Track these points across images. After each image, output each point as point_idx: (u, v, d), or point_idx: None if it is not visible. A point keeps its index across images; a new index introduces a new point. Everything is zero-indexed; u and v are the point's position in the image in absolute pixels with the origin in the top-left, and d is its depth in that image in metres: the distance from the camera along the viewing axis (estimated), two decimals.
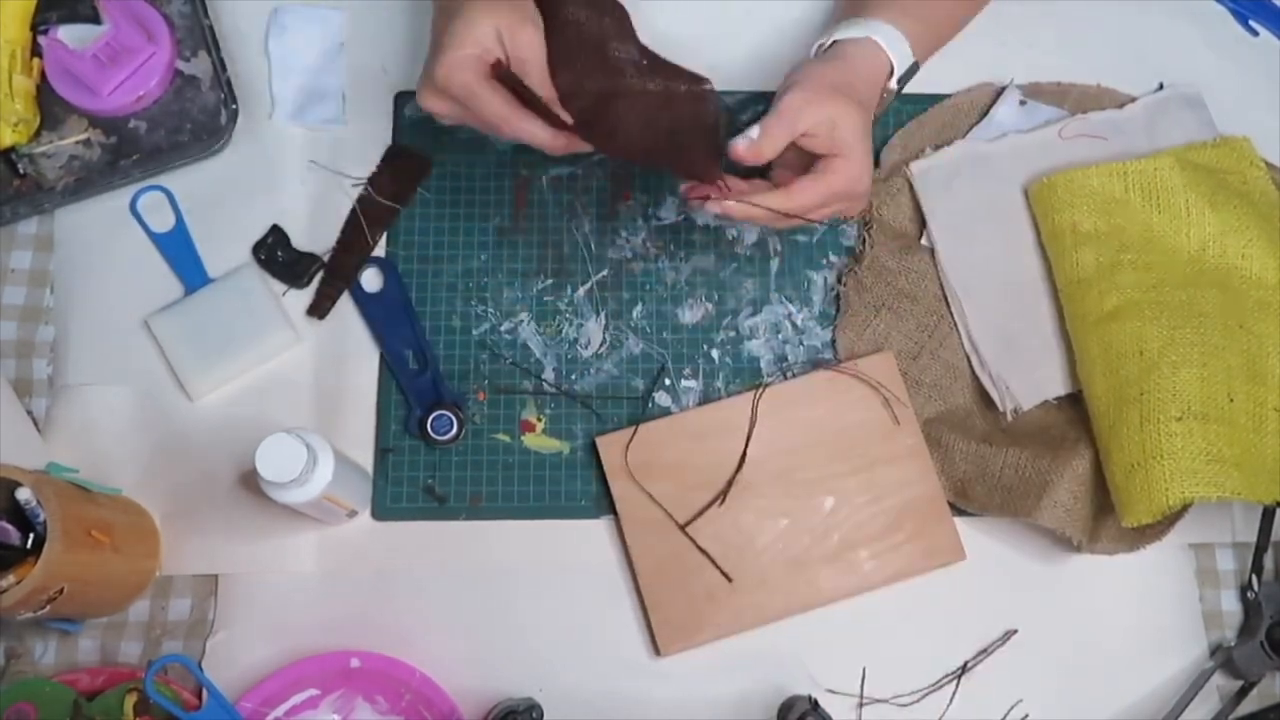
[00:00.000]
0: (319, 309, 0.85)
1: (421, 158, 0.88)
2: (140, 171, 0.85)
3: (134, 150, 0.86)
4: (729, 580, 0.79)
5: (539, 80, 0.72)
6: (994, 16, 0.91)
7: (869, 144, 0.75)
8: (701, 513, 0.80)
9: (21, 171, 0.85)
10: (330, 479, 0.69)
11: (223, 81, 0.87)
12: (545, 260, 0.87)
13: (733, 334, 0.86)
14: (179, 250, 0.85)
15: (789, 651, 0.79)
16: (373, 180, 0.87)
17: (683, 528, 0.79)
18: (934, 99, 0.91)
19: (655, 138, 0.76)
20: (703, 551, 0.79)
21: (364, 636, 0.78)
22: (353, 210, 0.87)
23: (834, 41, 0.78)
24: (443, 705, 0.75)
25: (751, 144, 0.72)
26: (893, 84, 0.79)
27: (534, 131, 0.72)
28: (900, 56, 0.78)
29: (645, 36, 0.92)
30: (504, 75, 0.72)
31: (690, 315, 0.87)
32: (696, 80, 0.78)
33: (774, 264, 0.88)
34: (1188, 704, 0.79)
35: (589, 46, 0.77)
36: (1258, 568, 0.82)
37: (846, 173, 0.74)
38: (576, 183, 0.89)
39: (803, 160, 0.76)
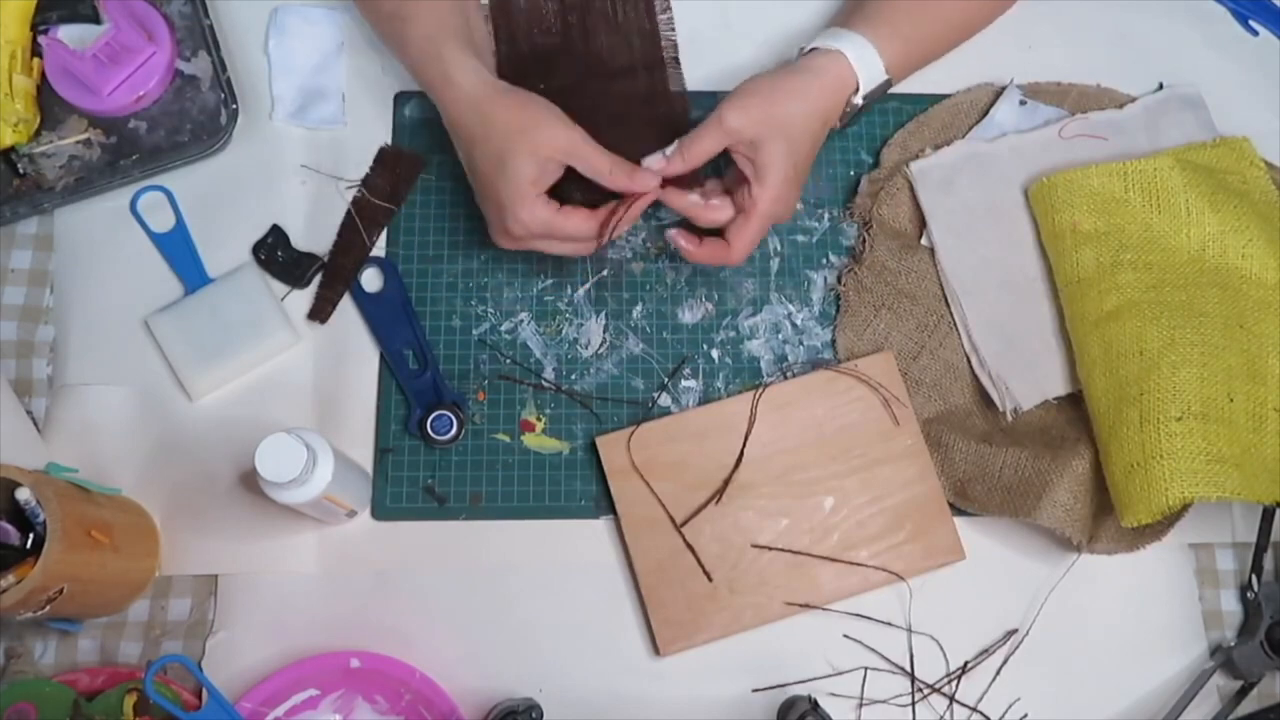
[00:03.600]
0: (320, 313, 0.85)
1: (414, 157, 0.88)
2: (140, 171, 0.85)
3: (134, 150, 0.86)
4: (709, 579, 0.79)
5: (596, 153, 0.74)
6: None
7: (792, 162, 0.76)
8: (697, 512, 0.80)
9: (21, 171, 0.85)
10: (330, 479, 0.69)
11: (223, 81, 0.87)
12: (545, 260, 0.87)
13: (733, 334, 0.86)
14: (179, 250, 0.85)
15: (789, 651, 0.79)
16: (366, 181, 0.87)
17: (678, 526, 0.79)
18: (934, 99, 0.91)
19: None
20: (689, 548, 0.79)
21: (364, 636, 0.78)
22: (348, 212, 0.87)
23: (812, 49, 0.80)
24: (443, 705, 0.75)
25: (663, 162, 0.76)
26: (857, 99, 0.80)
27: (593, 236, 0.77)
28: (869, 72, 0.79)
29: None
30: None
31: (690, 315, 0.87)
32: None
33: (774, 264, 0.88)
34: (1188, 704, 0.79)
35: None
36: (1258, 568, 0.82)
37: (766, 199, 0.76)
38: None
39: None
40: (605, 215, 0.76)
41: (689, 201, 0.77)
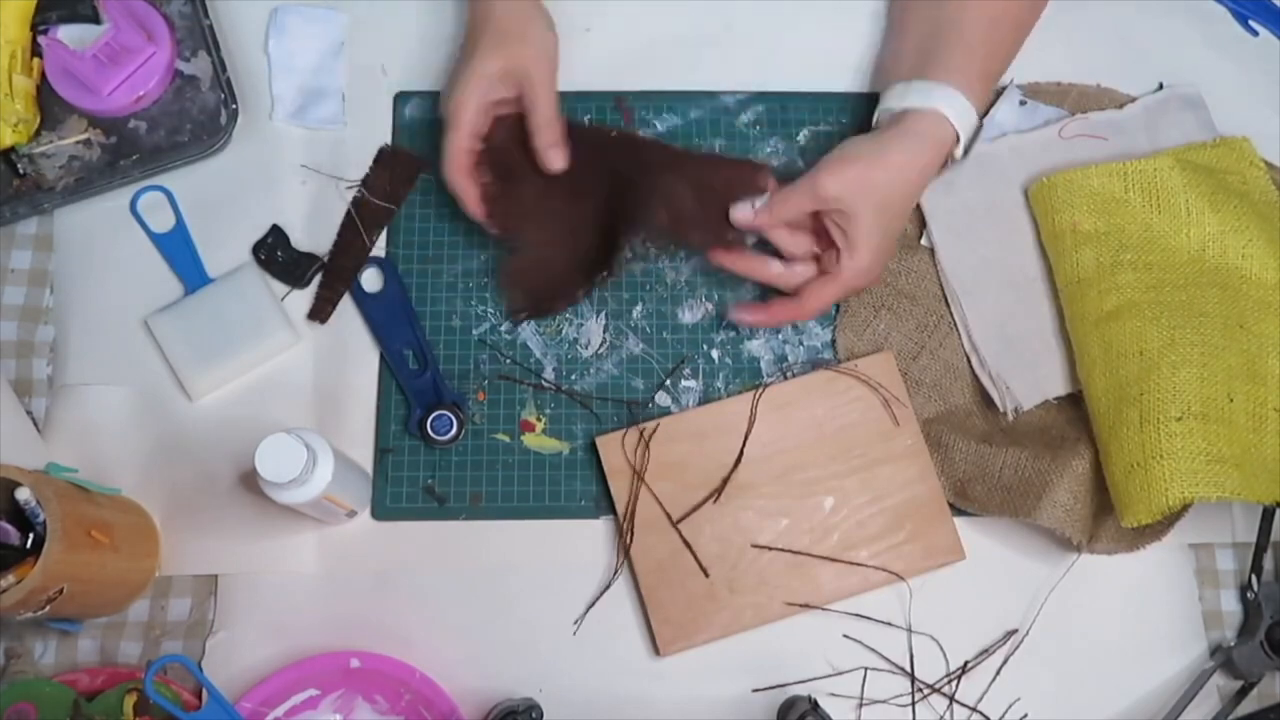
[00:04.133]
0: (320, 313, 0.85)
1: (413, 157, 0.88)
2: (140, 171, 0.85)
3: (134, 150, 0.86)
4: (706, 575, 0.79)
5: (546, 117, 0.79)
6: None
7: (883, 234, 0.77)
8: (695, 509, 0.80)
9: (21, 171, 0.85)
10: (330, 479, 0.69)
11: (223, 81, 0.87)
12: None
13: (733, 334, 0.86)
14: (179, 250, 0.85)
15: (789, 651, 0.79)
16: (366, 181, 0.87)
17: (675, 523, 0.79)
18: None
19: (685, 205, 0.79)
20: (686, 544, 0.79)
21: (364, 636, 0.78)
22: (347, 213, 0.87)
23: (905, 109, 0.78)
24: (443, 705, 0.75)
25: (750, 214, 0.77)
26: (958, 152, 0.79)
27: (468, 193, 0.81)
28: (966, 126, 0.78)
29: (643, 37, 0.92)
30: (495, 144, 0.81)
31: (690, 315, 0.86)
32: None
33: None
34: (1188, 704, 0.79)
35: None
36: (1257, 568, 0.82)
37: (851, 270, 0.77)
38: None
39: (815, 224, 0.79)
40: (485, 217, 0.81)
41: (773, 273, 0.79)
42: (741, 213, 0.77)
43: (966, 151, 0.80)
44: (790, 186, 0.76)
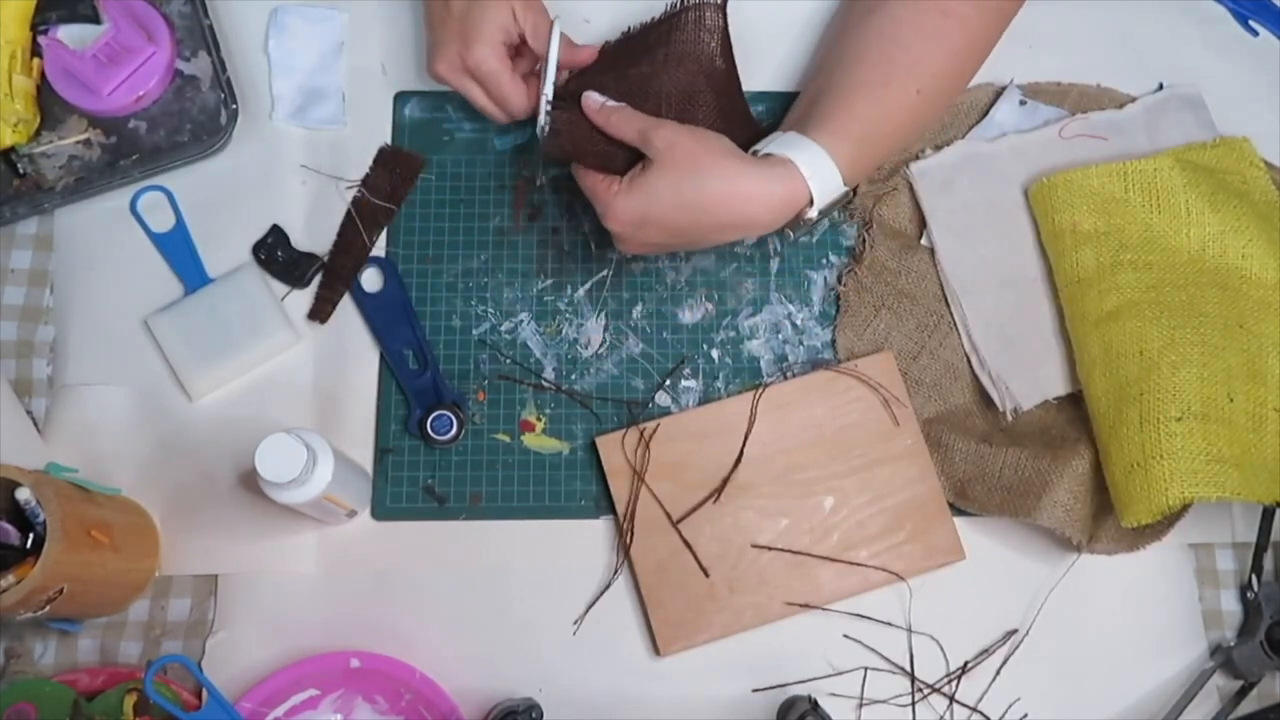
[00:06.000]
0: (320, 313, 0.85)
1: (414, 156, 0.88)
2: (140, 171, 0.85)
3: (134, 150, 0.86)
4: (706, 575, 0.79)
5: (530, 58, 0.81)
6: None
7: (648, 212, 0.73)
8: (695, 509, 0.80)
9: (21, 171, 0.85)
10: (330, 479, 0.69)
11: (223, 81, 0.87)
12: (545, 260, 0.87)
13: (733, 334, 0.86)
14: (179, 250, 0.85)
15: (789, 651, 0.79)
16: (366, 181, 0.87)
17: (675, 524, 0.79)
18: None
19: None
20: (686, 545, 0.79)
21: (364, 636, 0.78)
22: (348, 212, 0.87)
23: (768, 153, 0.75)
24: (443, 705, 0.75)
25: (596, 105, 0.76)
26: (812, 213, 0.75)
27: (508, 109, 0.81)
28: (823, 187, 0.74)
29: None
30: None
31: (690, 315, 0.87)
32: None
33: (774, 264, 0.88)
34: (1188, 704, 0.79)
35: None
36: (1258, 568, 0.82)
37: (610, 202, 0.74)
38: (576, 183, 0.88)
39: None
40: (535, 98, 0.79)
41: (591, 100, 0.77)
42: (591, 100, 0.76)
43: (823, 216, 0.76)
44: (639, 114, 0.75)
